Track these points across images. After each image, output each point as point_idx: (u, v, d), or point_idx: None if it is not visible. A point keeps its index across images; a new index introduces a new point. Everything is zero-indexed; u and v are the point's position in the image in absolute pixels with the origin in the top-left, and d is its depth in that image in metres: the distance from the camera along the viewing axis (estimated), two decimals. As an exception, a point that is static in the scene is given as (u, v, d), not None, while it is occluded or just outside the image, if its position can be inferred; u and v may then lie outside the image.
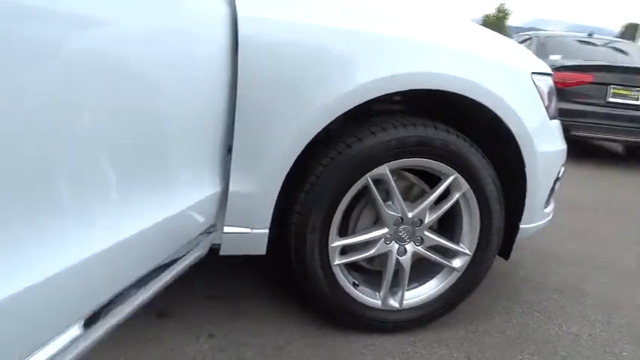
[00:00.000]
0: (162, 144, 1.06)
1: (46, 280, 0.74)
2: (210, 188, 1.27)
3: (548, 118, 1.62)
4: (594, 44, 6.13)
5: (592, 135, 4.84)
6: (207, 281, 1.77)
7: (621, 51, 6.07)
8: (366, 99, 1.32)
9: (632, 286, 2.20)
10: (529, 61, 1.64)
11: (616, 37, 7.53)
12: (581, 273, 2.26)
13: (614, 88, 4.77)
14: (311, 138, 1.31)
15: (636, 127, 4.75)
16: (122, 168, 0.93)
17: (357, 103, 1.32)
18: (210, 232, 1.36)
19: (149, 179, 1.02)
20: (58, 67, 0.73)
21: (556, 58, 5.37)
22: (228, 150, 1.31)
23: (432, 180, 1.56)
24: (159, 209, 1.05)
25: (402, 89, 1.35)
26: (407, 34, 1.38)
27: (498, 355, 1.56)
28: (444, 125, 1.45)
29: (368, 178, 1.42)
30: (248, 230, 1.38)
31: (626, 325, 1.84)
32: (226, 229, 1.36)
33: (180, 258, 1.20)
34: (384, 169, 1.42)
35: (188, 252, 1.23)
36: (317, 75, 1.28)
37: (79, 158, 0.82)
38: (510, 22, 59.73)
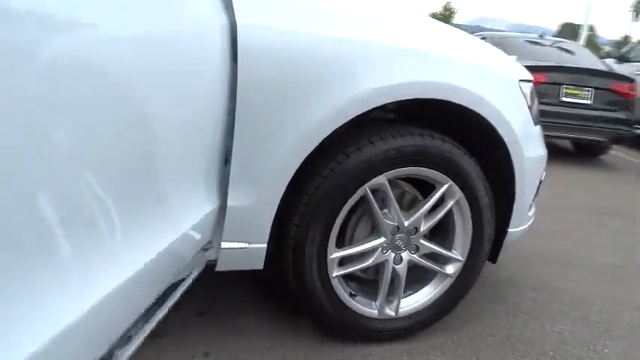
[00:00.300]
0: (160, 164, 0.98)
1: (50, 340, 0.65)
2: (208, 205, 1.21)
3: (533, 125, 1.66)
4: (544, 45, 6.36)
5: (548, 133, 5.02)
6: (199, 297, 1.70)
7: (568, 51, 6.33)
8: (368, 108, 1.30)
9: (605, 282, 2.30)
10: (516, 68, 1.67)
11: (554, 36, 7.85)
12: (558, 272, 2.33)
13: (566, 87, 4.98)
14: (312, 148, 1.28)
15: (587, 125, 4.98)
16: (116, 199, 0.82)
17: (359, 113, 1.29)
18: (206, 249, 1.30)
19: (147, 206, 0.94)
20: (33, 78, 0.61)
21: (512, 58, 5.54)
22: (225, 161, 1.26)
23: (423, 187, 1.56)
24: (161, 238, 0.98)
25: (407, 98, 1.33)
26: (411, 45, 1.37)
27: (491, 358, 1.59)
28: (439, 134, 1.46)
29: (367, 188, 1.40)
30: (246, 245, 1.33)
31: (604, 322, 1.91)
32: (224, 245, 1.31)
33: (182, 280, 1.14)
34: (382, 179, 1.41)
35: (189, 273, 1.17)
36: (318, 84, 1.25)
37: (66, 194, 0.70)
38: (455, 20, 61.38)
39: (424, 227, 1.53)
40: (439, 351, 1.59)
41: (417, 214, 1.50)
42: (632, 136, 5.43)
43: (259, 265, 1.37)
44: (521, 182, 1.61)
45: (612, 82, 5.14)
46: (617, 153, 6.23)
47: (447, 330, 1.69)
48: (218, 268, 1.34)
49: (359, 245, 1.48)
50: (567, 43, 6.92)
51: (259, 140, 1.24)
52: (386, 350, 1.56)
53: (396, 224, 1.49)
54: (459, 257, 1.60)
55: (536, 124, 1.69)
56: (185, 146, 1.08)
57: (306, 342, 1.54)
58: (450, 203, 1.52)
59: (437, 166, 1.45)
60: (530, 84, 1.70)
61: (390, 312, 1.56)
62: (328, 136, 1.29)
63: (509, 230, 1.69)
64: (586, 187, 4.42)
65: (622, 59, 7.53)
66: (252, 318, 1.64)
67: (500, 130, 1.51)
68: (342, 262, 1.49)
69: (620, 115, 5.15)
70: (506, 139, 1.53)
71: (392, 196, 1.45)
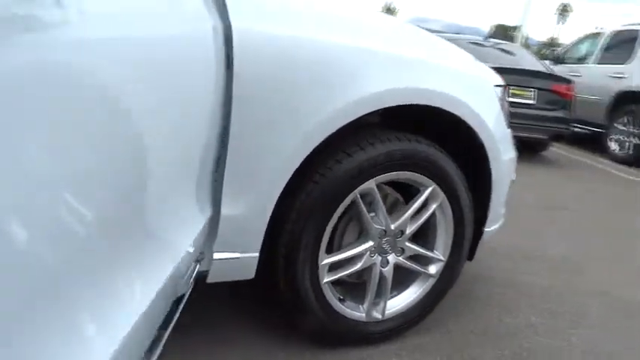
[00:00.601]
0: (157, 185, 0.90)
1: None
2: (203, 217, 1.18)
3: (506, 128, 1.73)
4: (487, 46, 6.63)
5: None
6: (185, 309, 1.64)
7: (509, 52, 6.63)
8: (363, 113, 1.31)
9: (566, 273, 2.43)
10: (490, 73, 1.73)
11: (486, 36, 8.18)
12: (520, 266, 2.44)
13: (512, 88, 5.21)
14: (306, 155, 1.27)
15: (532, 124, 5.24)
16: (117, 236, 0.73)
17: (354, 118, 1.30)
18: (198, 261, 1.26)
19: (144, 238, 0.87)
20: None
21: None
22: (218, 169, 1.22)
23: (404, 189, 1.59)
24: (162, 270, 0.92)
25: (403, 103, 1.35)
26: (406, 53, 1.39)
27: (475, 354, 1.64)
28: (424, 138, 1.49)
29: (357, 193, 1.40)
30: (238, 255, 1.30)
31: (571, 312, 2.02)
32: (216, 256, 1.28)
33: (181, 297, 1.10)
34: (372, 183, 1.42)
35: (187, 291, 1.13)
36: (314, 90, 1.24)
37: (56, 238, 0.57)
38: (395, 20, 62.65)
39: (410, 230, 1.55)
40: (425, 350, 1.62)
41: (404, 217, 1.52)
42: (571, 134, 5.77)
43: (251, 274, 1.35)
44: (497, 182, 1.67)
45: (553, 83, 5.43)
46: (557, 150, 6.58)
47: (430, 329, 1.73)
48: (210, 280, 1.31)
49: (348, 250, 1.49)
50: (507, 45, 7.24)
51: (255, 147, 1.21)
52: (375, 352, 1.57)
53: (384, 228, 1.51)
54: (441, 257, 1.64)
55: (507, 127, 1.76)
56: (179, 160, 1.03)
57: (295, 350, 1.53)
58: (434, 205, 1.56)
59: (422, 169, 1.48)
60: (502, 88, 1.77)
61: (377, 314, 1.57)
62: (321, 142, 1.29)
63: (485, 229, 1.76)
64: (531, 182, 4.64)
65: (557, 61, 7.97)
66: (240, 329, 1.61)
67: (480, 134, 1.56)
68: (331, 267, 1.49)
69: (560, 114, 5.46)
70: (485, 142, 1.58)
71: (380, 200, 1.46)
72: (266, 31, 1.19)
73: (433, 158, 1.49)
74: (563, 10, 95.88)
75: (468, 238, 1.66)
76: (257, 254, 1.32)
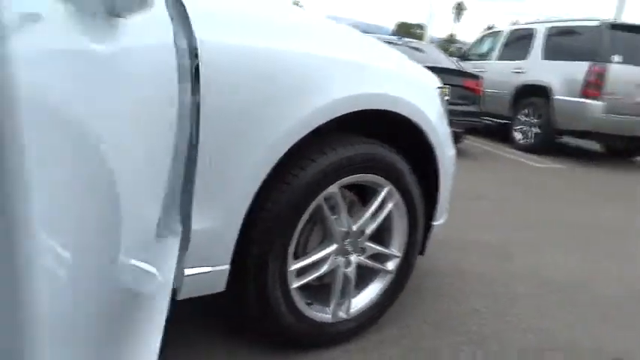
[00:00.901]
0: (123, 206, 0.80)
1: None
2: (176, 237, 1.14)
3: (447, 126, 1.83)
4: (400, 45, 6.90)
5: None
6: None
7: (421, 50, 6.95)
8: (325, 121, 1.33)
9: (498, 259, 2.62)
10: (432, 76, 1.82)
11: (390, 34, 8.54)
12: (458, 256, 2.59)
13: (428, 85, 5.48)
14: (274, 165, 1.27)
15: (449, 119, 5.53)
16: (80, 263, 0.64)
17: (316, 126, 1.31)
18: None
19: (116, 260, 0.80)
20: None
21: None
22: (188, 186, 1.19)
23: (359, 191, 1.63)
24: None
25: (364, 109, 1.39)
26: (361, 59, 1.43)
27: (433, 344, 1.73)
28: (379, 141, 1.54)
29: (322, 198, 1.43)
30: (210, 269, 1.27)
31: (508, 295, 2.19)
32: (187, 272, 1.24)
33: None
34: (335, 187, 1.45)
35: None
36: (278, 100, 1.25)
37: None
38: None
39: (370, 230, 1.60)
40: (387, 344, 1.68)
41: (364, 218, 1.57)
42: (482, 126, 6.18)
43: (222, 287, 1.33)
44: (443, 179, 1.77)
45: (464, 79, 5.79)
46: (471, 142, 7.01)
47: (389, 323, 1.80)
48: (180, 297, 1.27)
49: (314, 254, 1.50)
50: (418, 43, 7.59)
51: (224, 160, 1.19)
52: (341, 351, 1.60)
53: (346, 230, 1.54)
54: (398, 254, 1.71)
55: (448, 125, 1.87)
56: (146, 179, 0.97)
57: (258, 352, 1.53)
58: (391, 205, 1.62)
59: (381, 171, 1.53)
60: (441, 90, 1.87)
61: (342, 314, 1.61)
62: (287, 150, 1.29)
63: (434, 224, 1.85)
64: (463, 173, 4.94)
65: (463, 57, 8.49)
66: (205, 332, 1.57)
67: (429, 134, 1.64)
68: (298, 273, 1.50)
69: (472, 108, 5.83)
70: (433, 142, 1.66)
71: (342, 203, 1.50)
72: (231, 43, 1.17)
73: (390, 160, 1.54)
74: (459, 9, 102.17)
75: (420, 233, 1.74)
76: (228, 266, 1.30)
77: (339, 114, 1.35)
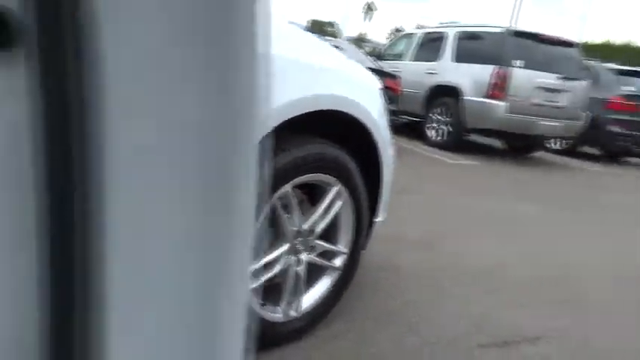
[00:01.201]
0: None
1: None
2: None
3: (388, 126, 1.90)
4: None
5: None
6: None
7: (342, 50, 7.09)
8: (281, 121, 1.33)
9: (427, 251, 2.76)
10: (374, 77, 1.88)
11: (311, 31, 8.66)
12: (390, 249, 2.70)
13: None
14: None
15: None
16: None
17: (273, 127, 1.31)
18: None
19: None
20: None
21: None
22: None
23: (307, 190, 1.66)
24: None
25: (320, 109, 1.41)
26: (314, 60, 1.44)
27: (379, 337, 1.80)
28: (331, 142, 1.57)
29: (276, 198, 1.43)
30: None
31: (434, 286, 2.34)
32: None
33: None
34: (288, 187, 1.45)
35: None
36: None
37: None
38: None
39: (319, 228, 1.63)
40: (339, 338, 1.73)
41: (315, 217, 1.59)
42: (400, 125, 6.44)
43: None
44: (386, 177, 1.84)
45: (385, 78, 5.98)
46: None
47: (335, 319, 1.83)
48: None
49: (268, 254, 1.50)
50: (337, 42, 7.73)
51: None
52: (294, 349, 1.62)
53: (298, 229, 1.56)
54: (344, 250, 1.75)
55: (388, 124, 1.94)
56: None
57: None
58: (340, 203, 1.66)
59: (332, 170, 1.57)
60: (382, 90, 1.94)
61: (293, 313, 1.62)
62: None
63: (376, 220, 1.92)
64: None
65: (379, 57, 8.77)
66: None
67: (374, 134, 1.70)
68: (252, 275, 1.49)
69: (391, 107, 6.05)
70: (377, 140, 1.72)
71: (294, 202, 1.51)
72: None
73: (341, 160, 1.58)
74: (369, 9, 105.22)
75: (365, 230, 1.80)
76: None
77: (294, 115, 1.36)
